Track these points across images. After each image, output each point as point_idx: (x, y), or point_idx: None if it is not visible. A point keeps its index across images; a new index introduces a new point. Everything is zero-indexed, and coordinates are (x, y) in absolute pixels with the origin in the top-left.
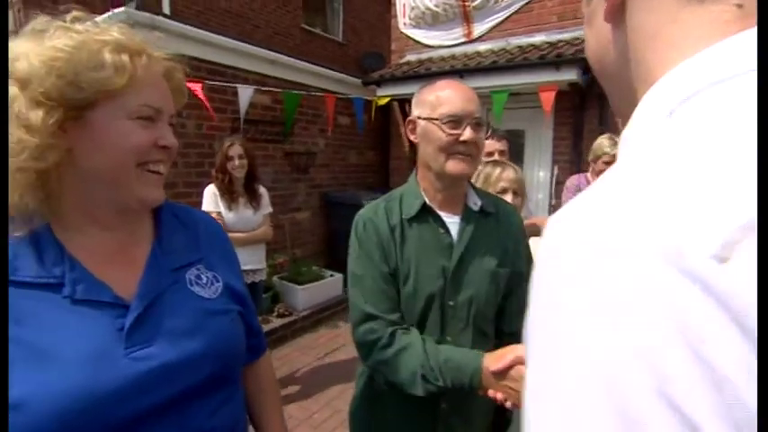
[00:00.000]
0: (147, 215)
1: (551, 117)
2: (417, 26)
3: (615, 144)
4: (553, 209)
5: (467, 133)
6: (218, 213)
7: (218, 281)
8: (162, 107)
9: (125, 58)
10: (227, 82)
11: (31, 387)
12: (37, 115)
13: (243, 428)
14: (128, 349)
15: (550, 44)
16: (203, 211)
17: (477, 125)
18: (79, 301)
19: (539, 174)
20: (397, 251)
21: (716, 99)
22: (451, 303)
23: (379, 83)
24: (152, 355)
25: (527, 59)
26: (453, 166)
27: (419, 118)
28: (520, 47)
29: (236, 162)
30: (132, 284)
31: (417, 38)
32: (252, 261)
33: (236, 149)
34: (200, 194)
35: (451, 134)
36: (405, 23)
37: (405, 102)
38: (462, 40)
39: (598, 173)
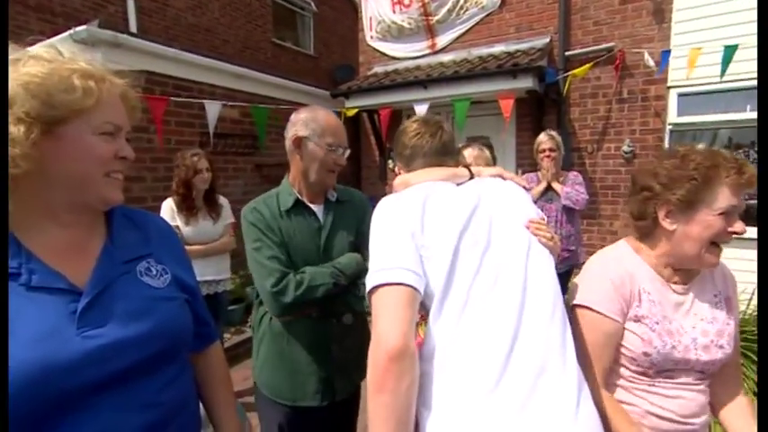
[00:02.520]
0: (100, 216)
1: (512, 123)
2: (384, 39)
3: (551, 138)
4: None
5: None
6: (177, 227)
7: (166, 273)
8: (121, 124)
9: (92, 83)
10: (193, 97)
11: None
12: (19, 130)
13: (193, 409)
14: (80, 329)
15: (509, 54)
16: (156, 215)
17: (346, 150)
18: (35, 288)
19: None
20: (281, 231)
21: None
22: None
23: (347, 95)
24: (102, 334)
25: (486, 69)
26: (331, 179)
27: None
28: (480, 57)
29: (205, 175)
30: (86, 274)
31: (384, 50)
32: (211, 272)
33: (204, 162)
34: None
35: (333, 158)
36: (371, 37)
37: (373, 112)
38: (427, 51)
39: (541, 161)
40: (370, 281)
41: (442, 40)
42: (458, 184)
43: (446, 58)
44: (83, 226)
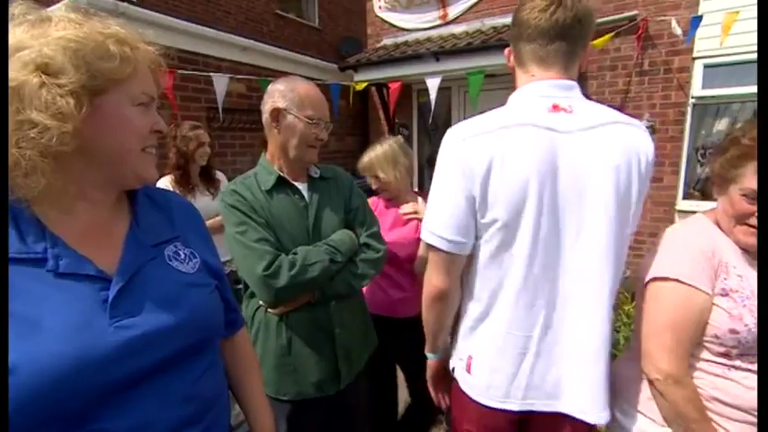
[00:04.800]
0: (124, 196)
1: None
2: (393, 9)
3: None
4: None
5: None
6: None
7: (195, 257)
8: (154, 95)
9: (127, 50)
10: (198, 70)
11: (21, 354)
12: (69, 103)
13: (225, 401)
14: (113, 319)
15: None
16: (175, 193)
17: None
18: (63, 274)
19: None
20: (266, 211)
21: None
22: None
23: (356, 68)
24: (136, 324)
25: (501, 40)
26: (312, 155)
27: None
28: (494, 28)
29: (207, 148)
30: (113, 259)
31: (393, 21)
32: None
33: (206, 136)
34: None
35: (314, 132)
36: (380, 7)
37: (382, 86)
38: (438, 22)
39: None
40: (422, 232)
41: (454, 10)
42: (560, 110)
43: (458, 29)
44: (108, 206)
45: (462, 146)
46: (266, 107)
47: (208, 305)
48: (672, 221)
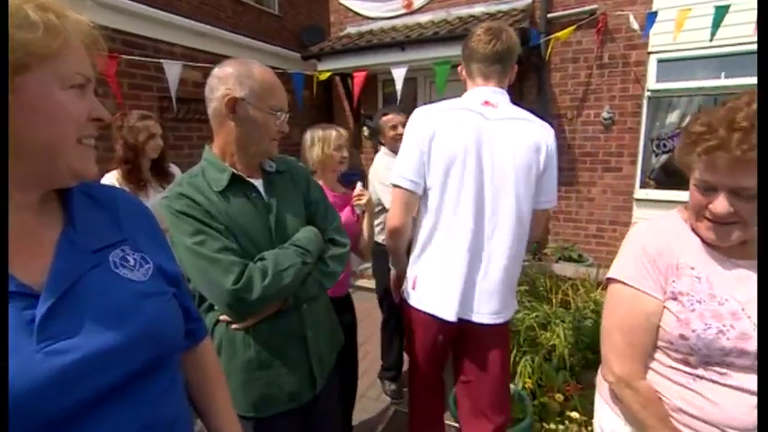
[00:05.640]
0: (53, 196)
1: None
2: None
3: None
4: None
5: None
6: None
7: (147, 262)
8: (90, 76)
9: (52, 17)
10: (148, 56)
11: None
12: None
13: (188, 421)
14: (41, 343)
15: (490, 15)
16: (122, 190)
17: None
18: None
19: None
20: (223, 215)
21: (456, 105)
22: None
23: (320, 57)
24: (73, 347)
25: (467, 30)
26: (274, 149)
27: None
28: (460, 18)
29: (159, 141)
30: (42, 271)
31: (356, 9)
32: None
33: (157, 127)
34: None
35: (277, 125)
36: None
37: (347, 76)
38: (402, 11)
39: None
40: (391, 178)
41: None
42: (485, 105)
43: (423, 18)
44: (31, 209)
45: (420, 117)
46: (217, 94)
47: (165, 317)
48: (630, 210)
